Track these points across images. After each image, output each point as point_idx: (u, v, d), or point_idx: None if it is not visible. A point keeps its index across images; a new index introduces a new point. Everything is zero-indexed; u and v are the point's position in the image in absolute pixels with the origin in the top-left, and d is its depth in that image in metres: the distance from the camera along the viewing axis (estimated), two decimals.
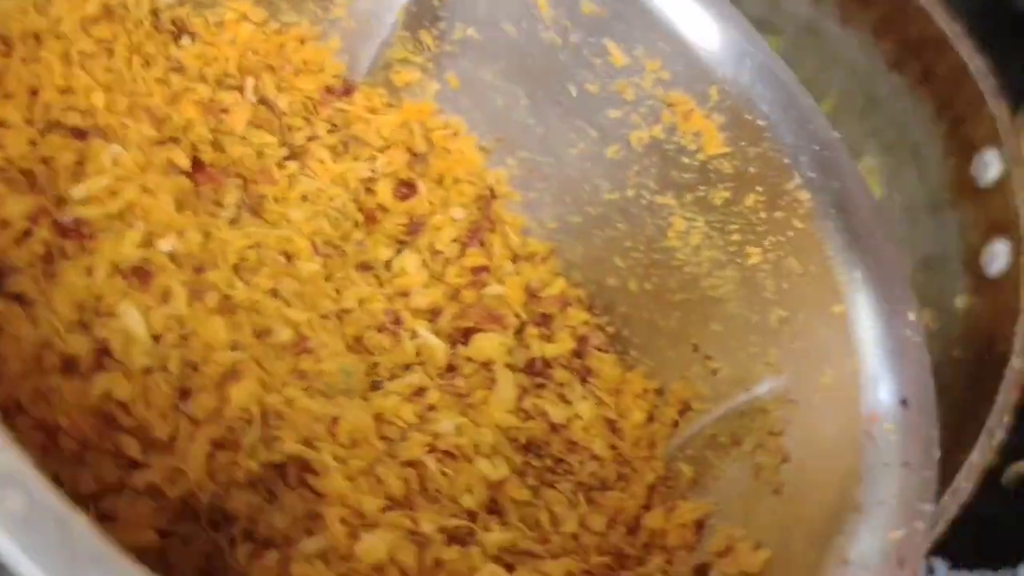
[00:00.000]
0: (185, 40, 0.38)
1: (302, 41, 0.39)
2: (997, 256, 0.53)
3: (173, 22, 0.37)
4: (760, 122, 0.30)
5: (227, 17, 0.38)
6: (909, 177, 0.59)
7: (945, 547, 0.59)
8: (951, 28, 0.55)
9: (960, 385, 0.53)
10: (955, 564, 0.60)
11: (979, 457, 0.49)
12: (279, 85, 0.38)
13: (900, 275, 0.30)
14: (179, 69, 0.37)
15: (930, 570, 0.60)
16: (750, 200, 0.31)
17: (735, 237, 0.32)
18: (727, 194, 0.31)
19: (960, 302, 0.55)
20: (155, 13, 0.37)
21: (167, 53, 0.37)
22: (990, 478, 0.62)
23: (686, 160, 0.31)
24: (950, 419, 0.53)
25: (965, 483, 0.48)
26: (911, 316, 0.30)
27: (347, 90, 0.39)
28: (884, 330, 0.30)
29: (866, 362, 0.29)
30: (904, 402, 0.30)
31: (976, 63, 0.54)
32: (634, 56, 0.30)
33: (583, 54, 0.31)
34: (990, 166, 0.54)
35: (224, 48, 0.37)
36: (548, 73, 0.32)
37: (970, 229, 0.55)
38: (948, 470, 0.49)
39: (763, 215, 0.30)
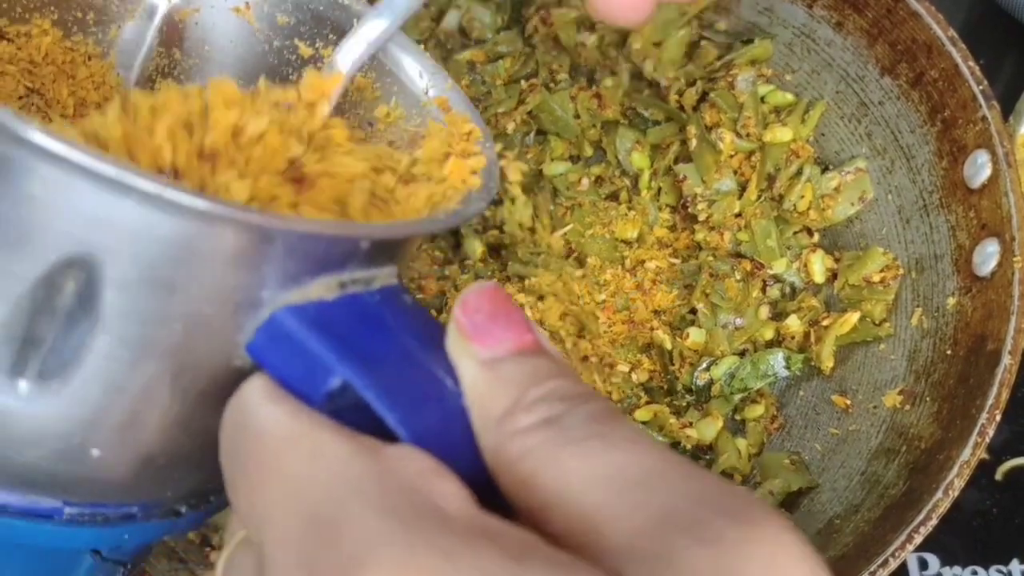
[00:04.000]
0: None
1: (89, 58, 0.45)
2: (988, 257, 0.53)
3: None
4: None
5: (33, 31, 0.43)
6: (901, 179, 0.59)
7: (938, 543, 0.60)
8: (944, 32, 0.56)
9: (952, 383, 0.54)
10: (947, 560, 0.61)
11: (971, 454, 0.49)
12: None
13: None
14: None
15: (923, 565, 0.61)
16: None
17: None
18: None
19: (952, 302, 0.55)
20: None
21: None
22: (982, 475, 0.62)
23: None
24: (943, 416, 0.53)
25: (957, 479, 0.49)
26: None
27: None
28: None
29: None
30: None
31: (968, 67, 0.55)
32: (315, 48, 0.41)
33: (284, 55, 0.42)
34: (981, 168, 0.54)
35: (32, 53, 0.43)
36: (262, 72, 0.41)
37: (961, 230, 0.56)
38: (940, 467, 0.50)
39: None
